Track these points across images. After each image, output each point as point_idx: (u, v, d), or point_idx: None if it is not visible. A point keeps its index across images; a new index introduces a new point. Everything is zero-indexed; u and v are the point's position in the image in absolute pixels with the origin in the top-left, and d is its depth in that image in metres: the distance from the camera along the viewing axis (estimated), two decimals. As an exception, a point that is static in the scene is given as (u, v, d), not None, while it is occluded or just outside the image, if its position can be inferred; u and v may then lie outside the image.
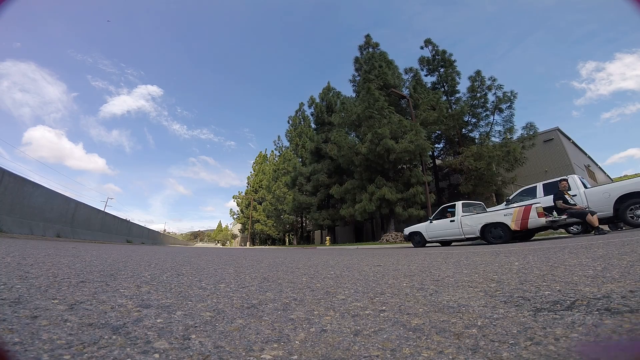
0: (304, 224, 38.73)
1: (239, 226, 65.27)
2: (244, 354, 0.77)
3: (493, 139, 21.75)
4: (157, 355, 0.68)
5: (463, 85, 26.92)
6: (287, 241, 46.62)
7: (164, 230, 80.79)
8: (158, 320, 0.97)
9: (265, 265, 3.62)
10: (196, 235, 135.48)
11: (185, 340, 0.81)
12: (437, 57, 24.36)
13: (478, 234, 7.98)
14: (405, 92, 23.00)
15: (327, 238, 25.03)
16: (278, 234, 44.38)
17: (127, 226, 21.17)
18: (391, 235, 17.49)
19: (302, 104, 36.36)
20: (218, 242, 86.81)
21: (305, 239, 39.70)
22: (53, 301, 1.14)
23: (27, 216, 9.96)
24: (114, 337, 0.78)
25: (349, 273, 2.74)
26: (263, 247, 35.92)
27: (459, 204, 9.03)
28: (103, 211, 18.02)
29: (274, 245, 44.67)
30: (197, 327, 0.94)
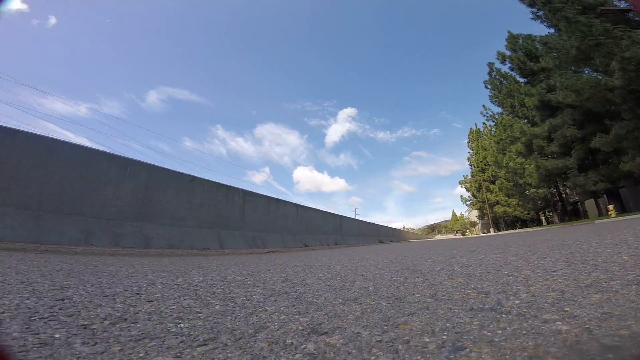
0: (564, 195, 30.23)
1: (475, 212, 60.46)
2: None
3: None
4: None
5: None
6: (543, 220, 37.81)
7: (403, 227, 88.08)
8: (516, 302, 1.12)
9: (546, 247, 3.15)
10: (433, 228, 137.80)
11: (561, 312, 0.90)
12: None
13: None
14: (621, 4, 17.28)
15: (610, 207, 18.22)
16: (528, 214, 37.10)
17: (376, 228, 25.04)
18: None
19: (491, 64, 31.47)
20: (457, 232, 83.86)
21: (571, 213, 30.68)
22: (415, 295, 1.45)
23: (315, 232, 14.05)
24: (497, 315, 0.98)
25: None
26: (512, 231, 31.22)
27: None
28: (357, 219, 22.43)
29: (526, 227, 37.56)
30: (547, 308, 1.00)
